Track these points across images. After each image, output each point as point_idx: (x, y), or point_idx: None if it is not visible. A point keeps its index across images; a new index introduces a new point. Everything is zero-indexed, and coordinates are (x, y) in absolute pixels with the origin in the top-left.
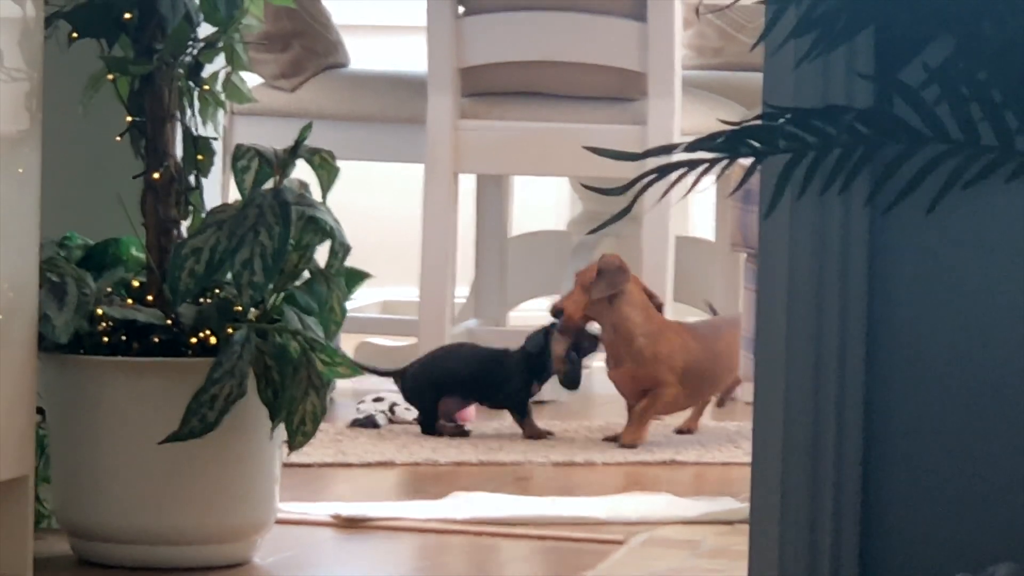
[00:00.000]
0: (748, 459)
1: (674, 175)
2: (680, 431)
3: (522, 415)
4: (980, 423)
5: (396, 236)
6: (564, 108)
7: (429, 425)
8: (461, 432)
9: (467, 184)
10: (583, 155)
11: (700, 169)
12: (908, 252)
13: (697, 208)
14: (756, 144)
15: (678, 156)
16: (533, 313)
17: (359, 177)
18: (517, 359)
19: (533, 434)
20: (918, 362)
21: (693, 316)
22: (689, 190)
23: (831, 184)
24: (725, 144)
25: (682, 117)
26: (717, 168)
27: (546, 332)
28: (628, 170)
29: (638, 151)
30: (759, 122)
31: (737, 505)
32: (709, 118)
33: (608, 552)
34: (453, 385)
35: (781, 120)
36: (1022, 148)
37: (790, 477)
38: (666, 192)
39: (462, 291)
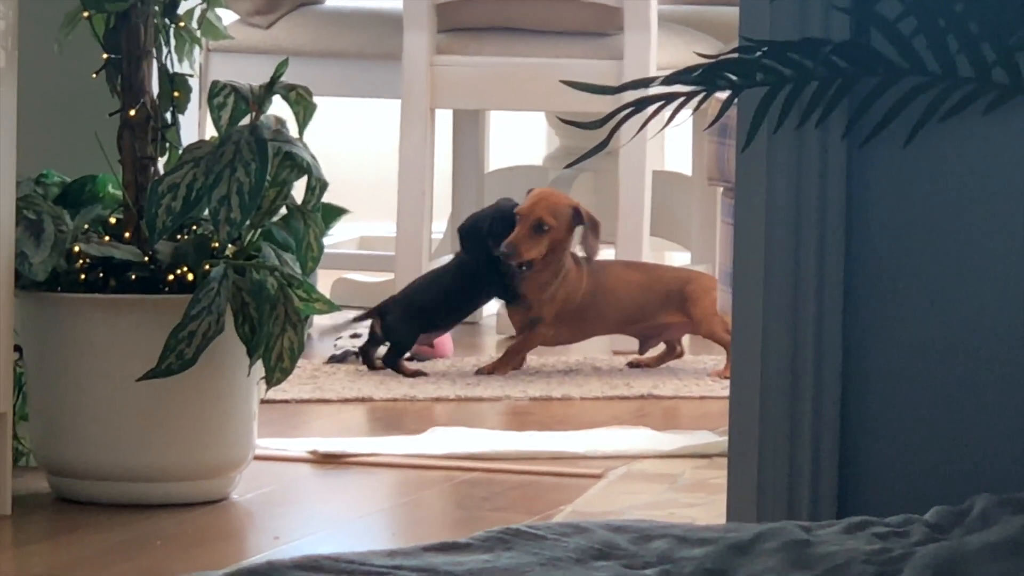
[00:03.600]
0: (726, 393)
1: (650, 109)
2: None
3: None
4: (958, 356)
5: (373, 172)
6: (540, 43)
7: (392, 360)
8: (421, 373)
9: (443, 119)
10: (559, 89)
11: (677, 103)
12: (886, 184)
13: (673, 142)
14: (733, 77)
15: (655, 90)
16: None
17: (336, 113)
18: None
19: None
20: (896, 295)
21: (669, 251)
22: (666, 124)
23: (808, 117)
24: (702, 77)
25: (658, 51)
26: (694, 102)
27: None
28: (604, 104)
29: (614, 85)
30: (736, 55)
31: (715, 439)
32: (685, 52)
33: (586, 486)
34: (433, 316)
35: (758, 53)
36: (999, 80)
37: (768, 410)
38: (643, 126)
39: (439, 226)
